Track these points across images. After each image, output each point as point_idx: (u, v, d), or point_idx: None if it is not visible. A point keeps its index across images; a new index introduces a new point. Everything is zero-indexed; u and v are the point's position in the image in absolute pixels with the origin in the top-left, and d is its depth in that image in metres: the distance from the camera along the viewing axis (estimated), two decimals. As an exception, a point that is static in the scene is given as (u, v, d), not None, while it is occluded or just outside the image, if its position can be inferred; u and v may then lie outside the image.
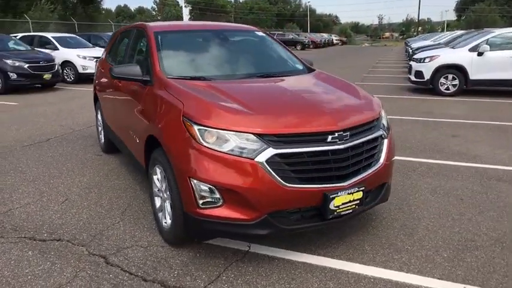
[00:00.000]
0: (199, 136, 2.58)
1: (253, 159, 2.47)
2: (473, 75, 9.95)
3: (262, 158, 2.47)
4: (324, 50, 39.38)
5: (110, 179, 4.58)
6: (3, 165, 5.03)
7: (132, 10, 71.32)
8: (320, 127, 2.62)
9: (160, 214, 3.19)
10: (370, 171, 2.83)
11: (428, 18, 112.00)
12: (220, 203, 2.56)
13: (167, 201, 2.98)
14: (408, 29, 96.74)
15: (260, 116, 2.63)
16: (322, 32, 70.26)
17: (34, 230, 3.38)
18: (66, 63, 12.83)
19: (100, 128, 5.59)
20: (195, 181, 2.57)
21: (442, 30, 51.74)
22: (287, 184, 2.51)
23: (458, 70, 10.14)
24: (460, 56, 10.18)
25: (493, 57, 9.76)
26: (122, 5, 71.74)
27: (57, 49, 13.04)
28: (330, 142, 2.61)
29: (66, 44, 13.52)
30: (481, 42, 9.92)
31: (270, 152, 2.48)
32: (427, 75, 10.53)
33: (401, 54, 30.18)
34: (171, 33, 3.94)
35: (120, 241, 3.20)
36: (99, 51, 12.69)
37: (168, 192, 2.91)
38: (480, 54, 9.79)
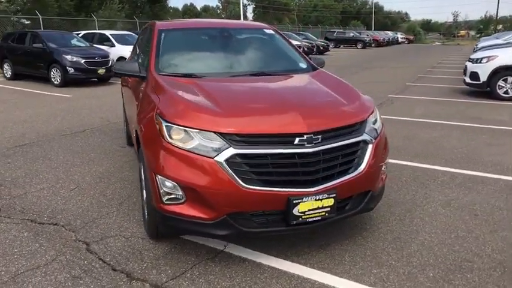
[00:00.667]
0: (166, 133, 2.60)
1: (212, 158, 2.44)
2: (536, 78, 8.98)
3: (222, 157, 2.44)
4: (385, 49, 37.76)
5: (122, 170, 4.78)
6: (36, 152, 5.46)
7: (198, 9, 73.71)
8: (287, 128, 2.53)
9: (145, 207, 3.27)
10: (345, 177, 2.67)
11: (511, 16, 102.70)
12: (183, 201, 2.58)
13: (144, 195, 3.05)
14: (487, 26, 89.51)
15: (227, 115, 2.59)
16: (390, 30, 67.37)
17: (37, 213, 3.63)
18: (121, 59, 13.60)
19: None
20: (159, 177, 2.61)
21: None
22: (247, 186, 2.45)
23: (519, 72, 9.21)
24: (522, 56, 9.24)
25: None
26: (189, 4, 74.41)
27: (114, 46, 13.88)
28: (297, 145, 2.51)
29: (123, 41, 14.33)
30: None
31: (231, 151, 2.44)
32: (483, 77, 9.69)
33: (469, 54, 28.06)
34: (175, 30, 4.02)
35: (107, 230, 3.33)
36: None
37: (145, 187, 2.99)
38: (546, 55, 8.80)
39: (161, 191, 2.61)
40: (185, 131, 2.54)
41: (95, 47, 13.15)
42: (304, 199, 2.51)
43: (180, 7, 70.99)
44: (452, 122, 7.25)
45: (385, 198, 3.94)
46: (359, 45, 37.83)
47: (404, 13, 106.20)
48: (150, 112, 2.87)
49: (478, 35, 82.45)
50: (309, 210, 2.55)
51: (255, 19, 69.53)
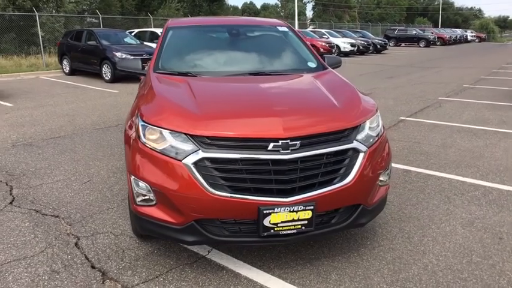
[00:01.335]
0: (141, 132, 2.54)
1: (181, 160, 2.34)
2: None
3: (190, 160, 2.32)
4: (451, 48, 35.31)
5: (137, 166, 4.84)
6: (66, 145, 5.73)
7: (258, 7, 74.11)
8: (261, 133, 2.34)
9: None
10: (328, 189, 2.43)
11: None
12: (154, 203, 2.50)
13: (129, 196, 3.03)
14: None
15: (201, 117, 2.47)
16: (460, 27, 62.90)
17: (44, 205, 3.77)
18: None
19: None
20: (132, 177, 2.56)
21: None
22: (215, 192, 2.31)
23: None
24: None
25: None
26: (248, 2, 75.05)
27: (164, 43, 14.28)
28: (271, 150, 2.32)
29: (173, 38, 14.69)
30: None
31: (199, 155, 2.32)
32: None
33: (548, 55, 25.38)
34: (182, 28, 3.97)
35: (101, 226, 3.36)
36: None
37: None
38: None
39: (135, 192, 2.56)
40: (159, 131, 2.46)
41: (145, 44, 13.63)
42: (276, 210, 2.32)
43: (239, 5, 71.88)
44: (503, 130, 6.53)
45: (398, 212, 3.62)
46: (422, 44, 35.78)
47: (477, 9, 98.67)
48: (134, 111, 2.83)
49: None
50: (282, 222, 2.36)
51: (313, 16, 68.55)
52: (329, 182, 2.46)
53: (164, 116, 2.52)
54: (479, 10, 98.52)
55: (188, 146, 2.36)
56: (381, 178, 2.81)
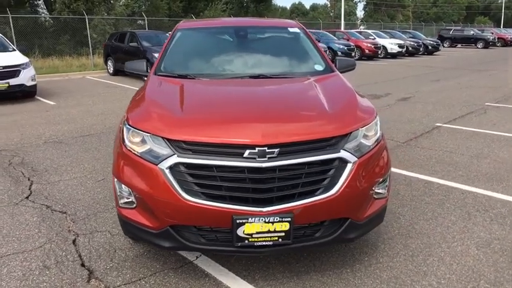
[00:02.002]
0: (125, 135, 2.55)
1: (156, 164, 2.31)
2: None
3: (165, 165, 2.29)
4: (510, 50, 32.87)
5: (152, 166, 4.92)
6: (92, 143, 5.95)
7: (307, 7, 73.47)
8: (237, 139, 2.26)
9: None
10: (309, 200, 2.29)
11: None
12: (134, 206, 2.50)
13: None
14: None
15: (181, 121, 2.44)
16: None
17: (56, 201, 3.92)
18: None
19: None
20: (115, 179, 2.57)
21: None
22: (189, 198, 2.26)
23: None
24: None
25: None
26: (297, 3, 74.60)
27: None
28: (247, 158, 2.23)
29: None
30: None
31: (174, 160, 2.28)
32: None
33: None
34: (191, 30, 3.96)
35: (101, 224, 3.43)
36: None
37: None
38: None
39: (118, 194, 2.57)
40: (140, 135, 2.45)
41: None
42: (251, 220, 2.22)
43: (288, 6, 71.60)
44: (550, 140, 5.92)
45: (408, 227, 3.38)
46: (479, 45, 33.58)
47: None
48: (125, 113, 2.85)
49: None
50: (258, 233, 2.25)
51: (364, 16, 66.78)
52: (311, 193, 2.32)
53: (147, 120, 2.51)
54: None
55: (165, 151, 2.33)
56: (377, 190, 2.62)
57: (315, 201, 2.30)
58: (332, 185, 2.34)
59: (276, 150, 2.24)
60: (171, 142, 2.32)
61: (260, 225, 2.24)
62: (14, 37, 15.63)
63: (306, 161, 2.29)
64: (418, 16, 67.13)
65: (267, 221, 2.23)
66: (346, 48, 20.25)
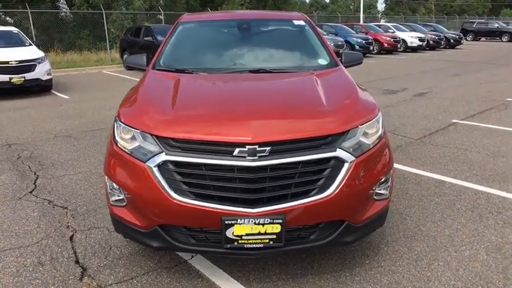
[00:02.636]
0: (116, 132, 2.49)
1: (145, 162, 2.24)
2: None
3: (153, 163, 2.22)
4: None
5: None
6: (101, 137, 5.96)
7: (327, 1, 72.34)
8: (227, 137, 2.16)
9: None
10: (302, 201, 2.18)
11: None
12: (124, 204, 2.44)
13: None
14: None
15: (171, 118, 2.36)
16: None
17: (58, 196, 3.92)
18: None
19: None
20: (106, 177, 2.52)
21: None
22: (178, 197, 2.18)
23: None
24: None
25: None
26: (317, -4, 73.46)
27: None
28: (236, 156, 2.13)
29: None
30: None
31: (162, 157, 2.20)
32: None
33: None
34: (192, 23, 3.88)
35: (100, 220, 3.41)
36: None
37: None
38: None
39: (108, 191, 2.52)
40: (131, 131, 2.39)
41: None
42: (240, 221, 2.13)
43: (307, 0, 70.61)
44: None
45: (414, 229, 3.24)
46: (504, 38, 32.36)
47: None
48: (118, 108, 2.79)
49: None
50: (247, 234, 2.16)
51: (385, 9, 65.43)
52: (304, 194, 2.21)
53: (137, 116, 2.45)
54: None
55: (154, 148, 2.26)
56: (378, 191, 2.49)
57: (308, 202, 2.19)
58: (327, 186, 2.22)
59: (268, 148, 2.14)
60: (159, 139, 2.25)
61: (250, 227, 2.14)
62: (33, 32, 15.90)
63: (300, 160, 2.18)
64: (441, 9, 65.33)
65: (257, 222, 2.14)
66: (364, 42, 19.83)
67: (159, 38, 12.70)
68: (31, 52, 9.58)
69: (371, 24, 25.27)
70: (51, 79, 9.79)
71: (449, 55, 20.52)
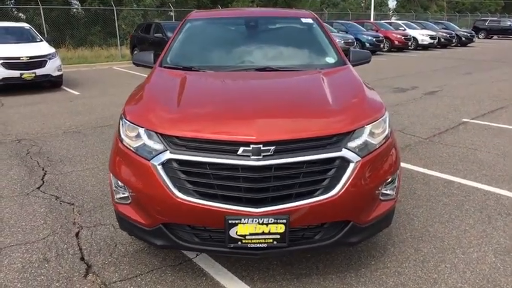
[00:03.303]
0: (121, 129, 2.49)
1: (149, 160, 2.24)
2: None
3: (157, 161, 2.21)
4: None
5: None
6: (109, 134, 5.98)
7: (338, -2, 71.69)
8: (232, 136, 2.15)
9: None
10: (306, 201, 2.16)
11: None
12: (129, 201, 2.44)
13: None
14: None
15: (176, 116, 2.35)
16: None
17: (66, 192, 3.95)
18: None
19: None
20: (111, 174, 2.52)
21: None
22: (182, 196, 2.18)
23: None
24: None
25: None
26: (328, -7, 72.84)
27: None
28: (241, 155, 2.12)
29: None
30: None
31: (166, 156, 2.20)
32: None
33: None
34: (200, 20, 3.86)
35: (106, 217, 3.42)
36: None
37: None
38: None
39: (113, 189, 2.53)
40: (136, 129, 2.39)
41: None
42: (244, 220, 2.12)
43: (318, -4, 70.10)
44: None
45: (421, 229, 3.20)
46: (517, 36, 31.89)
47: None
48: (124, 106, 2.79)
49: None
50: (251, 234, 2.15)
51: (396, 7, 64.71)
52: (309, 194, 2.18)
53: (143, 114, 2.45)
54: None
55: (158, 146, 2.25)
56: (384, 191, 2.46)
57: (313, 202, 2.17)
58: (332, 186, 2.20)
59: (272, 147, 2.12)
60: (164, 137, 2.24)
61: (254, 227, 2.13)
62: (45, 28, 16.04)
63: (304, 160, 2.15)
64: (453, 7, 64.43)
65: (260, 222, 2.12)
66: (374, 39, 19.64)
67: (169, 34, 12.70)
68: (42, 48, 9.67)
69: (382, 21, 25.03)
70: (61, 75, 9.87)
71: (460, 53, 20.24)
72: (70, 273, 2.66)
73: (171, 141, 2.23)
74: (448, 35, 23.52)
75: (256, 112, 2.31)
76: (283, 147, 2.14)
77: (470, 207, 3.56)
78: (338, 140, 2.23)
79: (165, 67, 3.26)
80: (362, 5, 65.08)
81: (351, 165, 2.22)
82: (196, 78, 2.97)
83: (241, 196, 2.14)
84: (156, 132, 2.26)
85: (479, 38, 31.06)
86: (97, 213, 3.50)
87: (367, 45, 19.15)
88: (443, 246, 2.96)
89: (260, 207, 2.13)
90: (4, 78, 8.82)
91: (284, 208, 2.14)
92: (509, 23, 33.13)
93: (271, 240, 2.17)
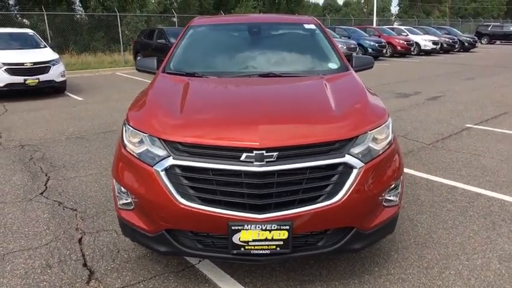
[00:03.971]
0: (124, 135, 2.50)
1: (152, 166, 2.24)
2: None
3: (160, 167, 2.21)
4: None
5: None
6: (112, 139, 6.00)
7: (340, 3, 72.06)
8: (235, 142, 2.15)
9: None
10: (310, 207, 2.16)
11: None
12: (132, 207, 2.44)
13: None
14: None
15: (179, 122, 2.35)
16: None
17: (68, 197, 3.95)
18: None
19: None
20: (114, 180, 2.52)
21: None
22: (184, 202, 2.17)
23: None
24: None
25: None
26: (330, -1, 73.20)
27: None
28: (244, 161, 2.12)
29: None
30: None
31: (169, 162, 2.20)
32: None
33: None
34: (203, 27, 3.88)
35: (109, 223, 3.42)
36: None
37: None
38: None
39: (116, 195, 2.53)
40: (139, 135, 2.39)
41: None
42: (247, 227, 2.12)
43: (321, 2, 70.50)
44: None
45: (425, 236, 3.18)
46: (520, 41, 31.86)
47: None
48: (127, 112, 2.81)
49: None
50: (254, 240, 2.14)
51: (399, 12, 64.89)
52: (312, 200, 2.18)
53: (146, 120, 2.45)
54: None
55: (161, 152, 2.26)
56: (388, 197, 2.45)
57: (316, 208, 2.16)
58: (335, 192, 2.19)
59: (275, 153, 2.12)
60: (167, 143, 2.25)
61: (257, 233, 2.12)
62: (48, 34, 16.16)
63: (307, 166, 2.15)
64: (455, 12, 64.58)
65: (263, 228, 2.12)
66: (376, 45, 19.66)
67: (172, 40, 12.78)
68: (45, 54, 9.73)
69: (384, 27, 25.09)
70: (65, 81, 9.93)
71: (463, 58, 20.23)
72: (73, 280, 2.66)
73: (174, 147, 2.23)
74: (450, 41, 23.53)
75: (259, 118, 2.31)
76: (286, 153, 2.14)
77: (474, 213, 3.54)
78: (341, 146, 2.23)
79: (168, 73, 3.28)
80: (364, 10, 65.30)
81: (354, 171, 2.22)
82: (199, 84, 2.99)
83: (244, 202, 2.14)
84: (159, 138, 2.27)
85: (482, 43, 31.09)
86: (100, 219, 3.50)
87: (370, 50, 19.16)
88: (447, 253, 2.94)
89: (263, 214, 2.12)
90: (8, 84, 8.87)
91: (287, 214, 2.13)
92: (512, 28, 33.13)
93: (274, 247, 2.17)
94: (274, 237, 2.14)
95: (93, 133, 6.38)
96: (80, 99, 9.49)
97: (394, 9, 68.78)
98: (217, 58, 3.53)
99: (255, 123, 2.25)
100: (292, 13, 36.31)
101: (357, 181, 2.21)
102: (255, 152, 2.11)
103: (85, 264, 2.83)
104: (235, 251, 2.18)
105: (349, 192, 2.19)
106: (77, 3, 25.83)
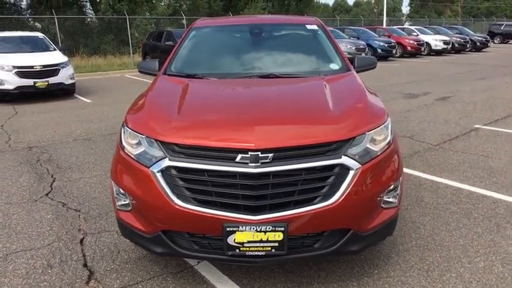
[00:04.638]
0: (123, 136, 2.52)
1: (148, 167, 2.25)
2: None
3: (156, 168, 2.22)
4: None
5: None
6: (118, 140, 6.06)
7: (350, 4, 71.77)
8: (230, 143, 2.15)
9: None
10: (305, 209, 2.14)
11: None
12: (130, 208, 2.46)
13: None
14: None
15: (176, 124, 2.36)
16: None
17: (73, 198, 4.00)
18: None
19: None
20: (112, 182, 2.54)
21: None
22: (180, 203, 2.18)
23: None
24: None
25: None
26: (340, 0, 72.93)
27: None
28: (239, 163, 2.11)
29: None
30: None
31: (165, 163, 2.21)
32: None
33: None
34: (205, 28, 3.89)
35: (110, 224, 3.45)
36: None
37: None
38: None
39: (115, 196, 2.55)
40: (137, 137, 2.41)
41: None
42: (241, 228, 2.11)
43: (331, 3, 70.32)
44: None
45: (427, 238, 3.14)
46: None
47: None
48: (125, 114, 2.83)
49: None
50: (249, 242, 2.14)
51: (410, 12, 64.36)
52: (308, 202, 2.16)
53: (144, 122, 2.47)
54: None
55: (158, 153, 2.27)
56: (386, 199, 2.42)
57: (312, 210, 2.14)
58: (332, 193, 2.17)
59: (270, 155, 2.11)
60: (163, 145, 2.26)
61: (252, 234, 2.12)
62: (59, 37, 16.39)
63: (303, 167, 2.14)
64: (467, 11, 63.77)
65: (258, 229, 2.11)
66: (386, 45, 19.51)
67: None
68: (55, 57, 9.86)
69: (394, 27, 24.88)
70: (74, 83, 10.05)
71: (475, 58, 19.96)
72: (72, 280, 2.69)
73: (170, 148, 2.24)
74: (462, 40, 23.23)
75: (255, 119, 2.31)
76: (282, 154, 2.13)
77: (478, 216, 3.48)
78: (338, 146, 2.21)
79: (168, 75, 3.30)
80: (375, 10, 64.86)
81: (351, 173, 2.20)
82: (198, 85, 3.00)
83: (239, 203, 2.14)
84: (156, 140, 2.28)
85: (494, 42, 30.64)
86: (102, 219, 3.53)
87: (379, 51, 19.04)
88: (449, 255, 2.89)
89: (258, 215, 2.12)
90: (18, 87, 9.02)
91: (282, 216, 2.12)
92: (525, 27, 32.55)
93: (269, 248, 2.16)
94: (269, 239, 2.13)
95: (100, 135, 6.44)
96: (89, 101, 9.60)
97: (405, 9, 68.27)
98: (218, 59, 3.54)
99: (251, 124, 2.25)
100: (301, 14, 36.23)
101: (353, 182, 2.19)
102: (250, 153, 2.10)
103: (85, 265, 2.86)
104: (230, 253, 2.17)
105: (346, 193, 2.18)
106: (88, 6, 26.18)
